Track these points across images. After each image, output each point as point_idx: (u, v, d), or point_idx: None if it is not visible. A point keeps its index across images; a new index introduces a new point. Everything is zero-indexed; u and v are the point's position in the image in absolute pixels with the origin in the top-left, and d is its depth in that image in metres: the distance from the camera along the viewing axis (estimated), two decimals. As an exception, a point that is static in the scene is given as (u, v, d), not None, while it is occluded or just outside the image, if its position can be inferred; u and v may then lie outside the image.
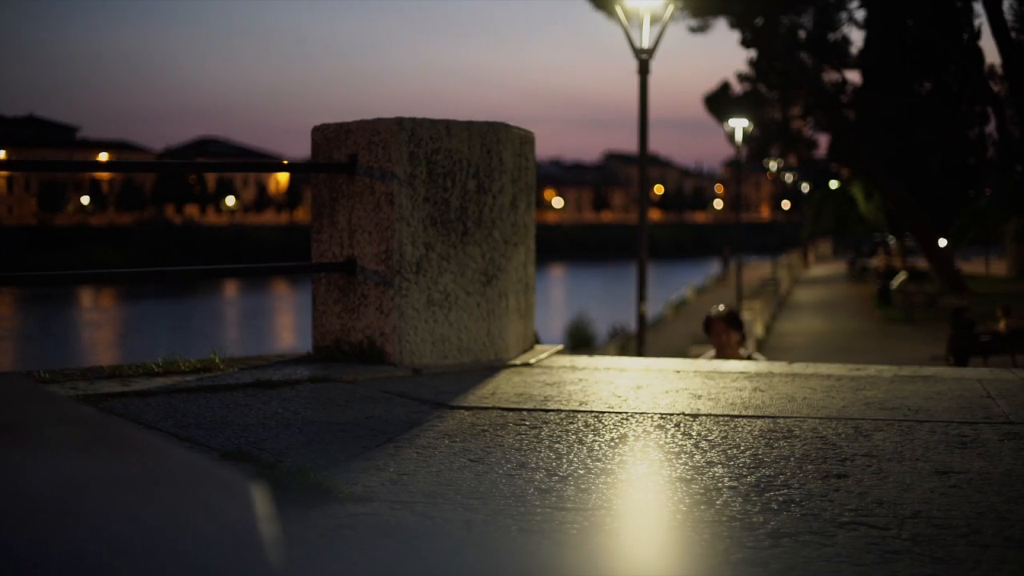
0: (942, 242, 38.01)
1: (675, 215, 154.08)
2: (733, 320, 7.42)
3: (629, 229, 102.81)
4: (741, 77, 42.06)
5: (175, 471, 0.80)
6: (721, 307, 7.64)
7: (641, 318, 14.89)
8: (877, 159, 36.11)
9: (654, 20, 15.05)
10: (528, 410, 3.72)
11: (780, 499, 2.60)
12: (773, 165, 56.63)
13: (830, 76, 39.38)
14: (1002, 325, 19.56)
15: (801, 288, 44.74)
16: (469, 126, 4.81)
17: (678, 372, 4.60)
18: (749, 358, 7.13)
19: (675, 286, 49.07)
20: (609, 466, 2.96)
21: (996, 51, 30.54)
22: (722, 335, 7.33)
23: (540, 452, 3.10)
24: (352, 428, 3.40)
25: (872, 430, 3.39)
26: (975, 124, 38.22)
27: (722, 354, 7.29)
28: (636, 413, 3.70)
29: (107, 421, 0.92)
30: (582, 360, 5.06)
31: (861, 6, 37.94)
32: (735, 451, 3.12)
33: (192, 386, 3.92)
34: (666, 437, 3.32)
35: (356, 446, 3.15)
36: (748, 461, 2.99)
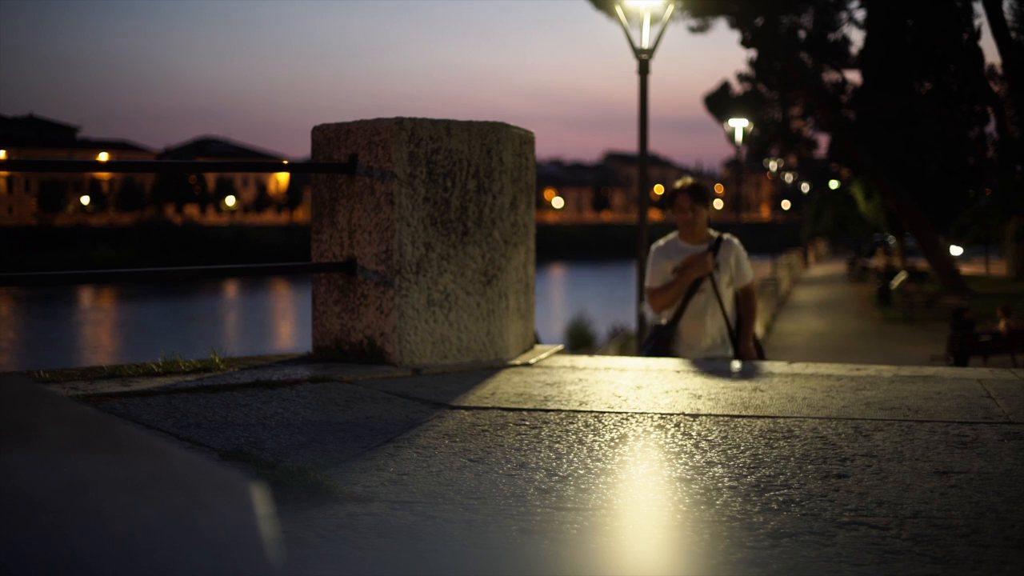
0: (955, 250, 38.00)
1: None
2: (700, 193, 6.28)
3: (629, 229, 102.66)
4: (741, 77, 42.07)
5: (175, 471, 0.80)
6: (688, 179, 6.49)
7: (641, 318, 14.89)
8: (877, 159, 36.10)
9: (654, 20, 15.05)
10: (528, 410, 3.72)
11: (780, 499, 2.60)
12: (773, 165, 56.64)
13: (830, 76, 39.36)
14: (1002, 325, 19.56)
15: (801, 288, 44.73)
16: (469, 126, 4.81)
17: (678, 372, 4.60)
18: (720, 239, 6.20)
19: (675, 286, 48.94)
20: (609, 466, 2.96)
21: (996, 51, 30.54)
22: (688, 211, 6.18)
23: (540, 452, 3.10)
24: (352, 428, 3.40)
25: (872, 430, 3.39)
26: (975, 124, 38.19)
27: (687, 234, 6.20)
28: (636, 413, 3.70)
29: (107, 421, 0.92)
30: (582, 360, 5.06)
31: (861, 6, 37.93)
32: (735, 451, 3.12)
33: (192, 386, 3.92)
34: (666, 437, 3.32)
35: (356, 446, 3.15)
36: (748, 461, 2.99)
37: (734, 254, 6.20)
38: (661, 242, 6.31)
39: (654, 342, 6.11)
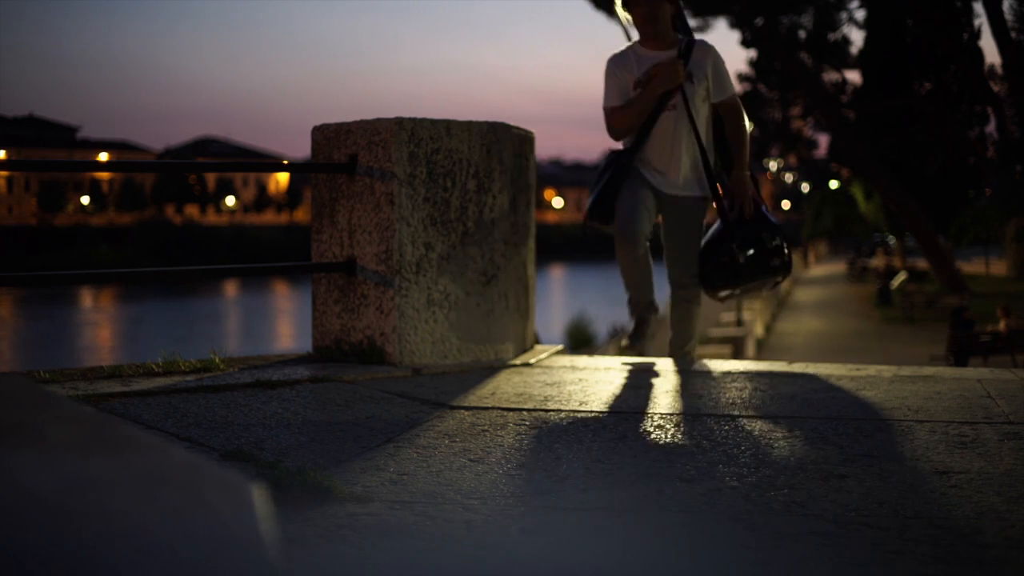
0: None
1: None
2: None
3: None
4: (741, 77, 42.07)
5: (175, 471, 0.80)
6: None
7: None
8: (877, 159, 36.10)
9: (654, 20, 15.02)
10: (528, 410, 3.72)
11: (781, 499, 2.60)
12: (773, 165, 56.63)
13: (830, 76, 39.37)
14: (1002, 325, 19.56)
15: (801, 288, 44.75)
16: (469, 126, 4.81)
17: (679, 372, 4.60)
18: (691, 41, 5.06)
19: (675, 286, 48.79)
20: (609, 466, 2.96)
21: (996, 51, 30.54)
22: (643, 5, 4.92)
23: (540, 452, 3.10)
24: (352, 428, 3.40)
25: (872, 430, 3.39)
26: (975, 124, 38.19)
27: (649, 37, 4.99)
28: (636, 413, 3.69)
29: (107, 421, 0.92)
30: (582, 360, 5.06)
31: (861, 6, 37.93)
32: (735, 451, 3.12)
33: (192, 386, 3.92)
34: (666, 437, 3.32)
35: (356, 446, 3.15)
36: (749, 461, 2.99)
37: (711, 60, 5.00)
38: (618, 51, 5.07)
39: (610, 172, 5.00)
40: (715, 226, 5.10)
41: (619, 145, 5.13)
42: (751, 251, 4.98)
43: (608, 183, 5.00)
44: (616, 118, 4.97)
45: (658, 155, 4.96)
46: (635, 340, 5.15)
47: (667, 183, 4.98)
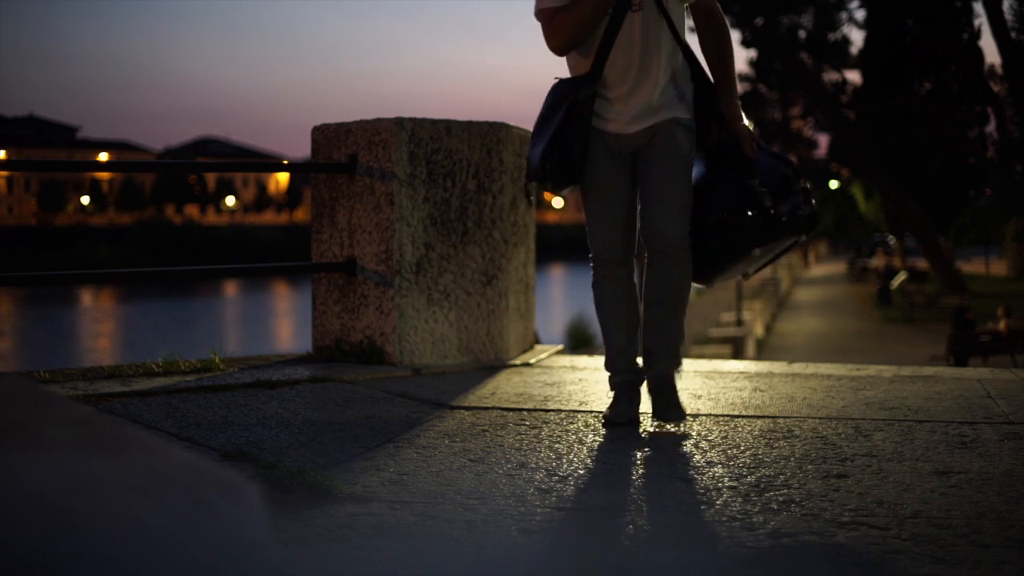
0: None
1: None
2: None
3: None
4: (741, 77, 42.08)
5: (175, 471, 0.80)
6: None
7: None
8: (877, 159, 36.10)
9: (654, 20, 15.01)
10: (528, 410, 3.72)
11: (780, 499, 2.60)
12: (773, 165, 56.25)
13: (830, 76, 39.39)
14: (1002, 325, 19.55)
15: (801, 288, 44.73)
16: (469, 126, 4.81)
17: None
18: None
19: (675, 286, 48.66)
20: (609, 466, 2.96)
21: (996, 51, 30.54)
22: None
23: (540, 452, 3.10)
24: (352, 428, 3.40)
25: (872, 430, 3.39)
26: (975, 124, 38.21)
27: None
28: (636, 413, 3.69)
29: (107, 421, 0.92)
30: (582, 360, 5.06)
31: (861, 6, 37.94)
32: (735, 451, 3.12)
33: (192, 386, 3.92)
34: (666, 437, 3.32)
35: (356, 446, 3.15)
36: (748, 461, 2.99)
37: None
38: None
39: (564, 112, 3.45)
40: (703, 170, 3.60)
41: (566, 70, 3.64)
42: (781, 193, 3.48)
43: (559, 130, 3.45)
44: (558, 23, 3.52)
45: (622, 73, 3.50)
46: (616, 418, 3.53)
47: (636, 113, 3.50)
